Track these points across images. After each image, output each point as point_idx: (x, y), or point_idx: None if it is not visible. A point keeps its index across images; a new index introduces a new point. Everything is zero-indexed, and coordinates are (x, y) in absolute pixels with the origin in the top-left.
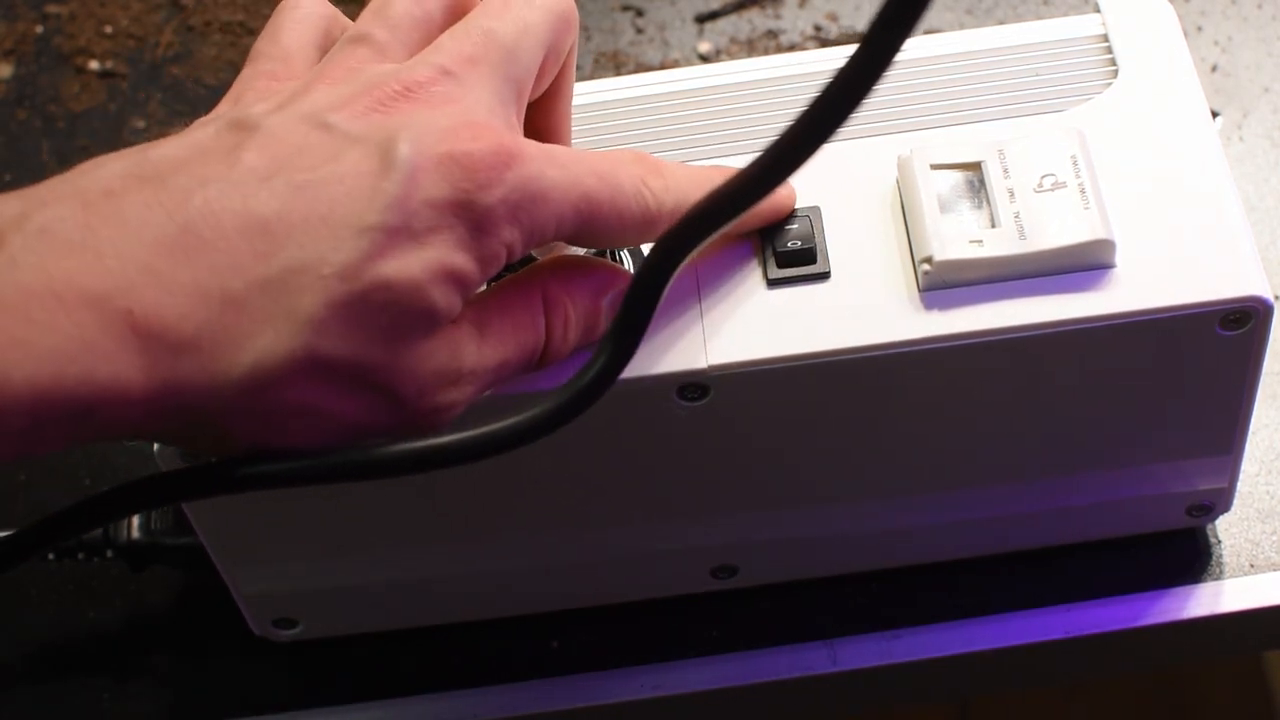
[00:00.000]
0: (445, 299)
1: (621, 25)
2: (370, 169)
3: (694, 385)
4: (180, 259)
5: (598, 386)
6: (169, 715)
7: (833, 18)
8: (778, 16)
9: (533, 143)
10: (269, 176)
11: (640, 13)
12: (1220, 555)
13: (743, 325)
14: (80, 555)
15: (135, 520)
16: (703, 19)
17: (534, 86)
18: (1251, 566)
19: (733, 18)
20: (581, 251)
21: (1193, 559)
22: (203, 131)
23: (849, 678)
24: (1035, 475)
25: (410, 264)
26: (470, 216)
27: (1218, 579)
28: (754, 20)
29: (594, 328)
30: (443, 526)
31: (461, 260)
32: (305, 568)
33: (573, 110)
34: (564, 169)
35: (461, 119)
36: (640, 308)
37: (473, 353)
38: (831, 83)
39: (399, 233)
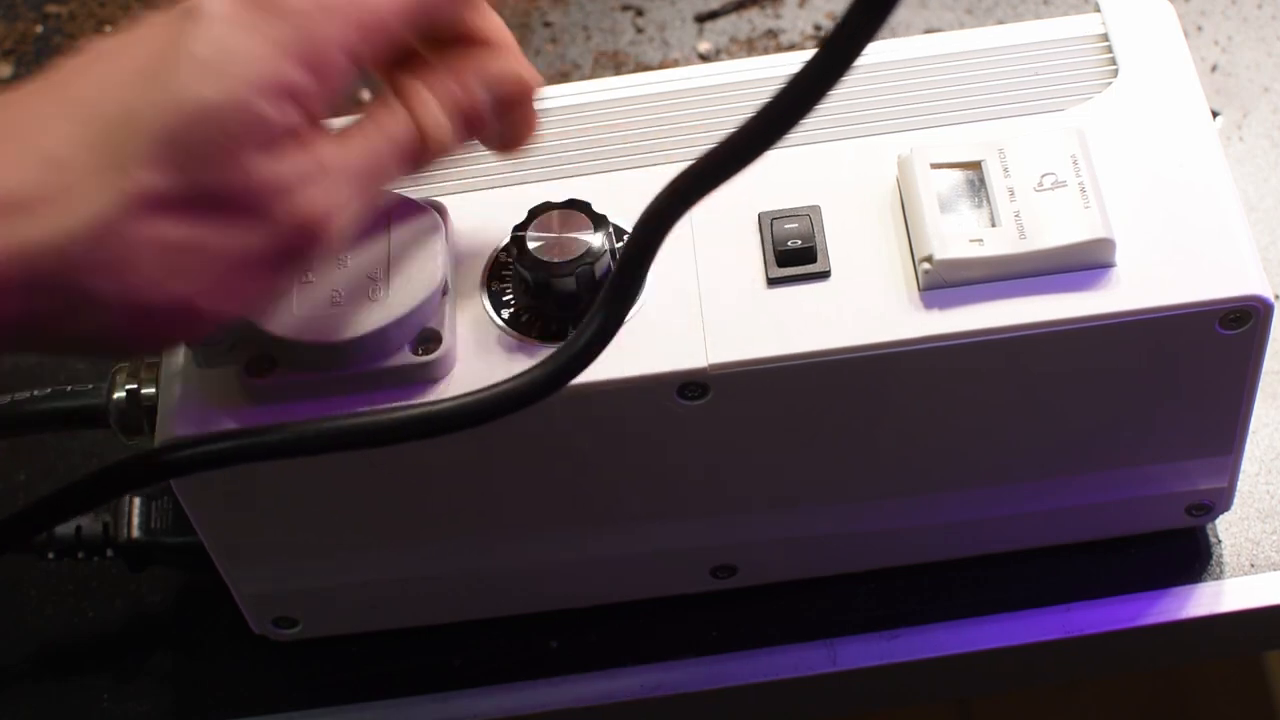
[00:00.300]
0: (278, 111)
1: (622, 25)
2: (177, 21)
3: (694, 384)
4: (3, 140)
5: (591, 349)
6: (169, 715)
7: (833, 17)
8: (778, 16)
9: None
10: (86, 66)
11: (640, 12)
12: (1221, 555)
13: (743, 324)
14: (80, 555)
15: (135, 520)
16: (703, 19)
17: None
18: (1252, 566)
19: (732, 17)
20: None
21: (1193, 559)
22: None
23: (849, 677)
24: (1035, 475)
25: (230, 82)
26: (284, 25)
27: (1218, 579)
28: (754, 20)
29: (475, 113)
30: (443, 526)
31: (288, 69)
32: (305, 567)
33: (573, 111)
34: None
35: None
36: (632, 269)
37: (332, 151)
38: (834, 30)
39: (211, 60)
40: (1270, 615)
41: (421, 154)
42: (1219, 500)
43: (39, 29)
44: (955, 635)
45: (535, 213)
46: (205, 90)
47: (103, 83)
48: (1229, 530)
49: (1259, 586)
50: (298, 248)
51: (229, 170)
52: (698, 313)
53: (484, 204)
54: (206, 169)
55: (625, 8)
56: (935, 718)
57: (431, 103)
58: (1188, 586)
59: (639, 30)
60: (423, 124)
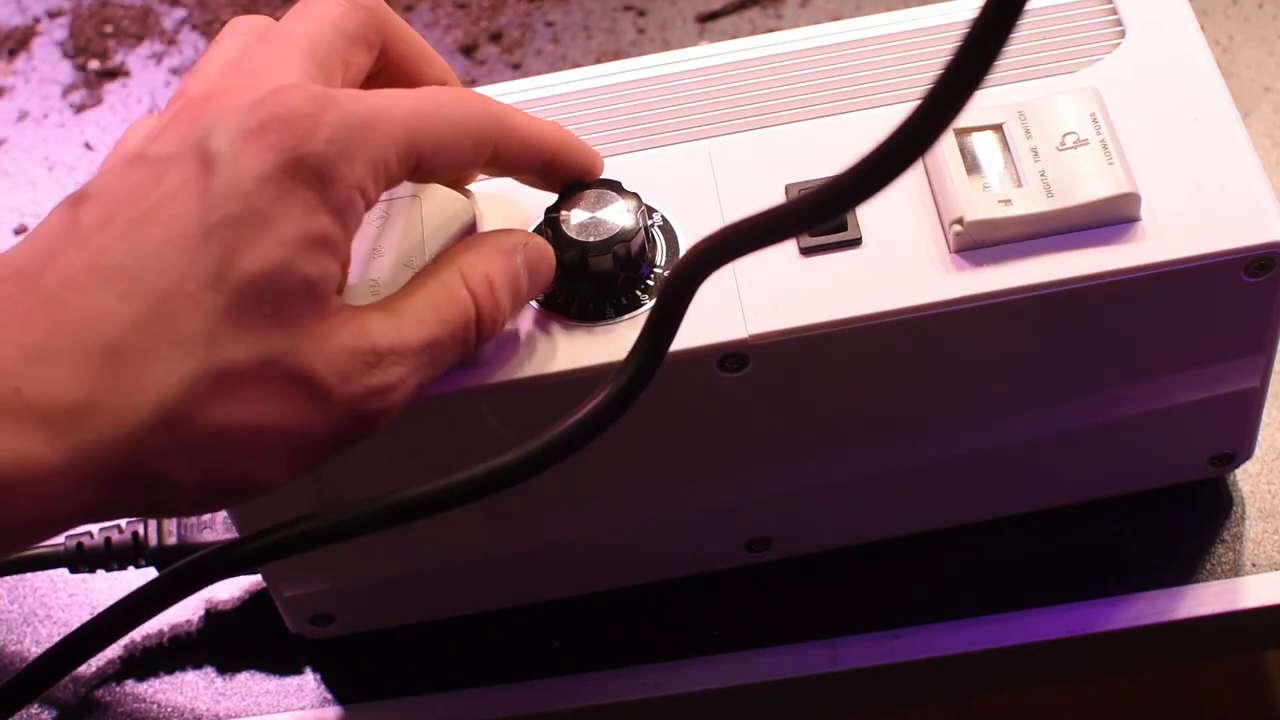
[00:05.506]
0: (318, 266)
1: (623, 25)
2: (194, 174)
3: (734, 356)
4: (52, 329)
5: (636, 385)
6: (170, 714)
7: (834, 17)
8: (779, 16)
9: (348, 90)
10: (106, 224)
11: (641, 13)
12: (1223, 554)
13: (779, 294)
14: (115, 565)
15: (169, 525)
16: (704, 19)
17: (354, 68)
18: (1254, 566)
19: (734, 18)
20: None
21: (1195, 558)
22: (46, 221)
23: (850, 677)
24: (1068, 427)
25: (269, 247)
26: (306, 172)
27: (1220, 579)
28: (755, 20)
29: (519, 290)
30: (493, 507)
31: (319, 222)
32: (348, 563)
33: (597, 93)
34: (382, 97)
35: (266, 90)
36: (671, 311)
37: (387, 332)
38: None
39: (244, 221)
40: (1272, 615)
41: (479, 342)
42: (1241, 448)
43: (40, 28)
44: (956, 635)
45: (567, 193)
46: (247, 261)
47: (135, 248)
48: (1231, 530)
49: (1262, 586)
50: (355, 432)
51: (283, 343)
52: (733, 285)
53: (511, 188)
54: (263, 343)
55: (627, 8)
56: (936, 718)
57: (499, 288)
58: (1189, 586)
59: (640, 31)
60: (483, 311)
